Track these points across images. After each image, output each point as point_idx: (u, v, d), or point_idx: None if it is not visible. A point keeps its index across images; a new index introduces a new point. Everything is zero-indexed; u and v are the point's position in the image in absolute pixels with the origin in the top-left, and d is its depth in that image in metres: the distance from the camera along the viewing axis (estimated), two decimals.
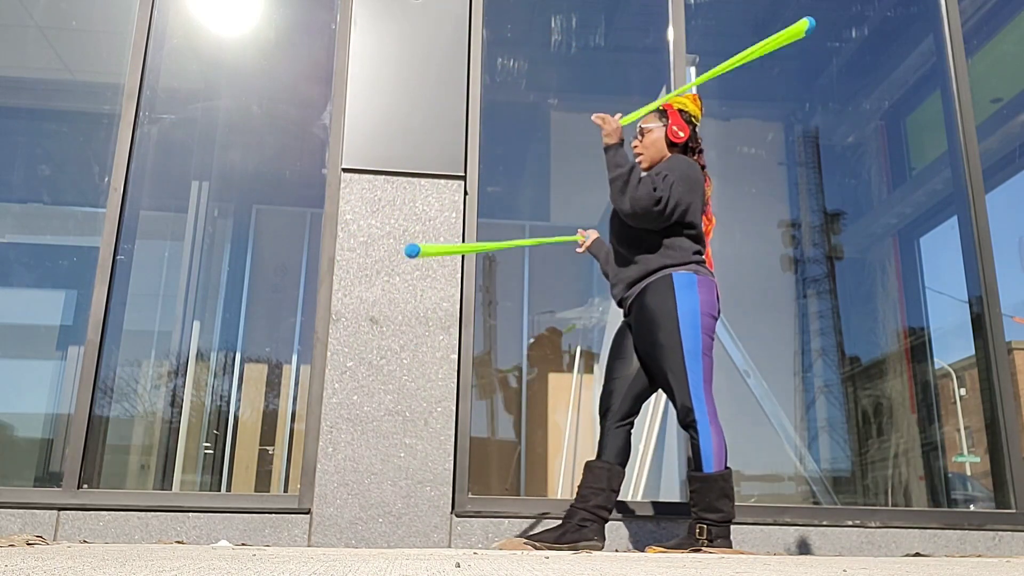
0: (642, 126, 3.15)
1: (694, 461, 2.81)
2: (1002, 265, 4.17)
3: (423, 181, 3.76)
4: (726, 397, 4.73)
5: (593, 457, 2.98)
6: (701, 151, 3.16)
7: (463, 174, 3.80)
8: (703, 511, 2.75)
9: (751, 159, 5.62)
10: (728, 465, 2.80)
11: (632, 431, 3.01)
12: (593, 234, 3.40)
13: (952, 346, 4.99)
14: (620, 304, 3.09)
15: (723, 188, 5.42)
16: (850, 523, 3.62)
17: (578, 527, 2.84)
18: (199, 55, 4.50)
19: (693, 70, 4.55)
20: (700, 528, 2.75)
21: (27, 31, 4.66)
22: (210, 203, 4.86)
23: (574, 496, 2.95)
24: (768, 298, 5.33)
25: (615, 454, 2.94)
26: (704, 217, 3.12)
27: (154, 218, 4.63)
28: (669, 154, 3.09)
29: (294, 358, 4.82)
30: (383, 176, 3.75)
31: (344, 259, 3.63)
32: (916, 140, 5.47)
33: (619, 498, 3.91)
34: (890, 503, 5.02)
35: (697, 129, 3.15)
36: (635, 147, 3.15)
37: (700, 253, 2.99)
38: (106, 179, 3.91)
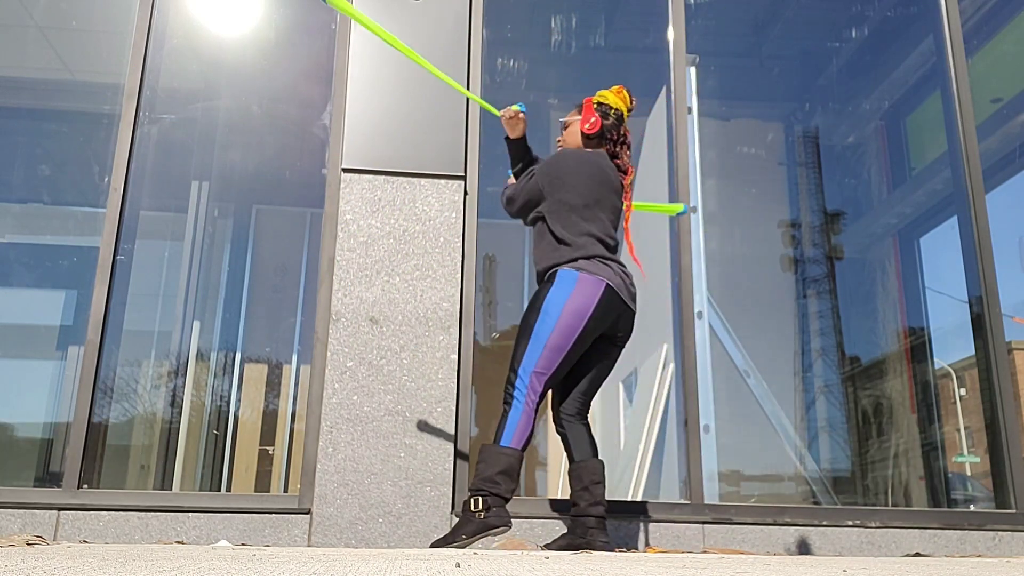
0: (563, 120, 3.23)
1: (496, 432, 2.84)
2: (1002, 265, 4.17)
3: (423, 181, 3.77)
4: (726, 397, 4.73)
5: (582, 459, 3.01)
6: (624, 143, 3.18)
7: (463, 174, 3.80)
8: (481, 481, 2.77)
9: (751, 159, 5.62)
10: (522, 449, 2.81)
11: (589, 424, 3.05)
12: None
13: (952, 346, 4.99)
14: None
15: (723, 188, 5.42)
16: (850, 523, 3.62)
17: (581, 536, 2.86)
18: (199, 55, 4.50)
19: (693, 70, 4.55)
20: (474, 500, 2.76)
21: (27, 31, 4.66)
22: (210, 203, 4.86)
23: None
24: (768, 298, 5.33)
25: (582, 452, 2.96)
26: (624, 200, 3.15)
27: (154, 218, 4.63)
28: (582, 145, 3.15)
29: (294, 358, 4.82)
30: (383, 176, 3.75)
31: (344, 259, 3.63)
32: (916, 140, 5.47)
33: (619, 498, 3.91)
34: (890, 503, 5.02)
35: (623, 120, 3.18)
36: (558, 141, 3.23)
37: (602, 244, 2.98)
38: (106, 179, 3.92)
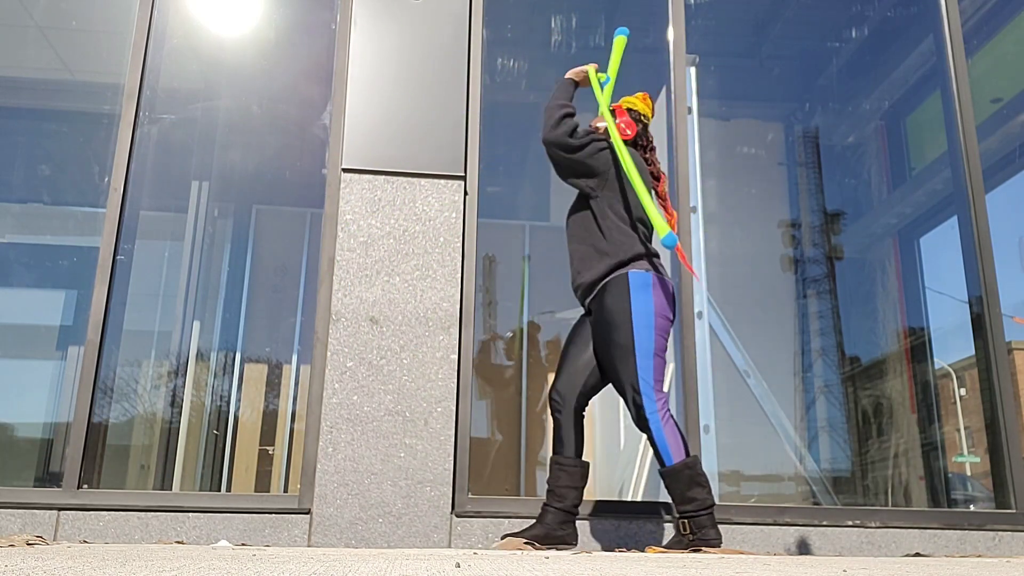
0: (595, 125, 3.23)
1: (657, 458, 2.86)
2: (1002, 265, 4.17)
3: (423, 181, 3.77)
4: (726, 397, 4.73)
5: (576, 456, 2.99)
6: (653, 148, 3.22)
7: (463, 174, 3.80)
8: (680, 504, 2.79)
9: (751, 159, 5.62)
10: (692, 453, 2.83)
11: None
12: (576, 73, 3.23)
13: (952, 346, 4.99)
14: (582, 303, 3.13)
15: (723, 188, 5.42)
16: (850, 523, 3.62)
17: (559, 527, 2.88)
18: (199, 55, 4.50)
19: (693, 70, 4.55)
20: (683, 524, 2.78)
21: (27, 31, 4.66)
22: (210, 203, 4.86)
23: (548, 491, 2.95)
24: (768, 298, 5.33)
25: (578, 449, 2.97)
26: (665, 212, 3.18)
27: (154, 218, 4.63)
28: None
29: (294, 358, 4.82)
30: (383, 176, 3.75)
31: (344, 259, 3.63)
32: (916, 140, 5.47)
33: (619, 498, 3.92)
34: (890, 503, 5.02)
35: (648, 127, 3.24)
36: None
37: (650, 248, 3.03)
38: (106, 179, 3.92)
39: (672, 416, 2.85)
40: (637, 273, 2.90)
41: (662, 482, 2.86)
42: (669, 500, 3.79)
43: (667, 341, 2.92)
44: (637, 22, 5.31)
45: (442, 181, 3.77)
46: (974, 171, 4.25)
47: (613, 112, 3.17)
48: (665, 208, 3.19)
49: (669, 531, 3.52)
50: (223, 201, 4.99)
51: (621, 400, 4.79)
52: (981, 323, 4.11)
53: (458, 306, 3.63)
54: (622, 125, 3.10)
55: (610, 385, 3.05)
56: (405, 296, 3.61)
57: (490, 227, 4.19)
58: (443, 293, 3.63)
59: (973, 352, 4.19)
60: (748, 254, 5.33)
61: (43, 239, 4.71)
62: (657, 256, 3.01)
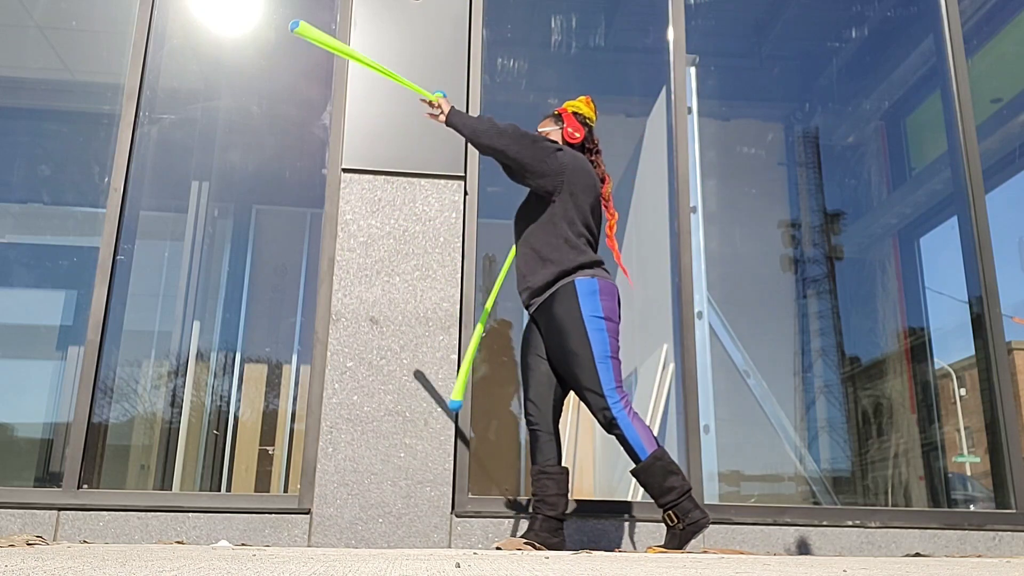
0: (540, 130, 3.23)
1: (631, 457, 2.87)
2: (1002, 265, 4.18)
3: (423, 181, 3.77)
4: (726, 397, 4.73)
5: (564, 459, 3.03)
6: (599, 151, 3.24)
7: (463, 174, 3.80)
8: (660, 497, 2.80)
9: (751, 159, 5.62)
10: (660, 445, 2.86)
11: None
12: (446, 104, 3.13)
13: (952, 346, 4.99)
14: (527, 307, 3.13)
15: (723, 188, 5.42)
16: (850, 523, 3.62)
17: (553, 534, 2.91)
18: (199, 55, 4.50)
19: (693, 70, 4.55)
20: (669, 516, 2.79)
21: (27, 31, 4.66)
22: (210, 203, 4.86)
23: (536, 500, 2.97)
24: (768, 298, 5.33)
25: (558, 457, 3.01)
26: (606, 212, 3.21)
27: (154, 218, 4.63)
28: None
29: (294, 358, 4.82)
30: (383, 176, 3.75)
31: (344, 259, 3.63)
32: (916, 140, 5.47)
33: (620, 498, 3.92)
34: (890, 503, 5.02)
35: (593, 130, 3.24)
36: None
37: (593, 247, 3.07)
38: (106, 179, 3.92)
39: (635, 410, 2.89)
40: (583, 280, 2.94)
41: (635, 480, 2.87)
42: None
43: (618, 343, 2.95)
44: (637, 22, 5.31)
45: (442, 181, 3.77)
46: (974, 171, 4.26)
47: (559, 116, 3.19)
48: (607, 208, 3.20)
49: None
50: (223, 201, 4.99)
51: None
52: (981, 323, 4.11)
53: (458, 306, 3.63)
54: (570, 130, 3.13)
55: None
56: (405, 296, 3.61)
57: (490, 227, 4.19)
58: (443, 293, 3.63)
59: (973, 352, 4.19)
60: (748, 254, 5.33)
61: (43, 239, 4.71)
62: (601, 263, 3.03)
